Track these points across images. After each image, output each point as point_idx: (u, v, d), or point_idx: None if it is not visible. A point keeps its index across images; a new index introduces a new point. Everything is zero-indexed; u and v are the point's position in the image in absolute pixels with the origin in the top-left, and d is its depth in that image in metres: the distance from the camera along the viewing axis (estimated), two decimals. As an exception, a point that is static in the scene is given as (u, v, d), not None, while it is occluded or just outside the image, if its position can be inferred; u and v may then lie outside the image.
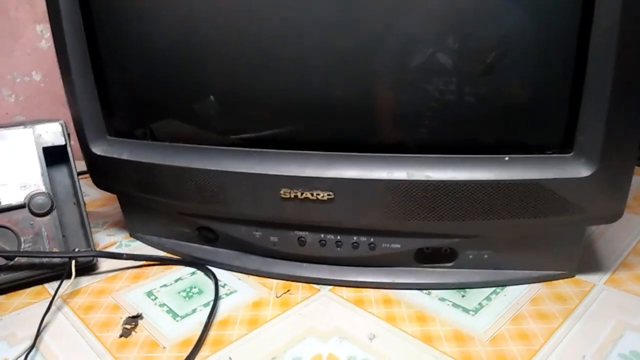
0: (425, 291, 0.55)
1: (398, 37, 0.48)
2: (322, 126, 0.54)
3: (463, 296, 0.54)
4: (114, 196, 0.71)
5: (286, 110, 0.54)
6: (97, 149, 0.62)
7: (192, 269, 0.61)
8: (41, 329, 0.50)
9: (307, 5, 0.49)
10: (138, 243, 0.69)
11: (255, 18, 0.50)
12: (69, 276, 0.56)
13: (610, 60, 0.42)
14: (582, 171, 0.46)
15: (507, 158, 0.48)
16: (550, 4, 0.44)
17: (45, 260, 0.58)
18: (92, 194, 0.87)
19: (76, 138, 0.63)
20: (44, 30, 1.02)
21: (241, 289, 0.57)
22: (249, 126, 0.56)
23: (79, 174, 0.63)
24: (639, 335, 0.46)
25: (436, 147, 0.50)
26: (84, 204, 0.62)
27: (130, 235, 0.71)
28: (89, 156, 0.63)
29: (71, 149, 0.62)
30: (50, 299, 0.53)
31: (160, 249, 0.67)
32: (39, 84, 1.05)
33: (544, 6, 0.44)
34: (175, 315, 0.52)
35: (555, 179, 0.47)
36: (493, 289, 0.55)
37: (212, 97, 0.56)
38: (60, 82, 0.61)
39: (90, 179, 0.66)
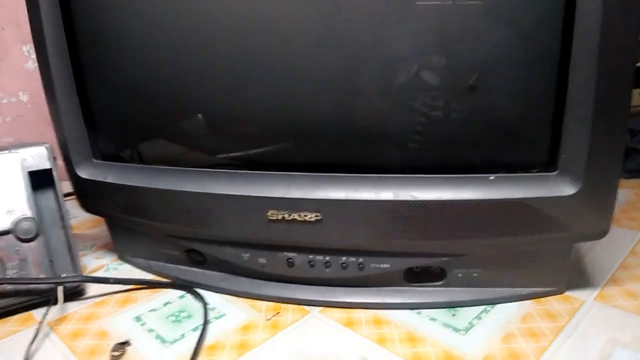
0: (415, 311, 0.55)
1: (383, 58, 0.48)
2: (308, 147, 0.54)
3: (453, 315, 0.53)
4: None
5: (272, 130, 0.54)
6: (83, 173, 0.61)
7: (180, 292, 0.61)
8: (28, 357, 0.49)
9: (293, 26, 0.49)
10: (126, 266, 0.69)
11: (242, 39, 0.50)
12: (55, 302, 0.56)
13: (591, 80, 0.43)
14: (567, 189, 0.47)
15: (492, 177, 0.48)
16: (532, 25, 0.44)
17: (31, 286, 0.57)
18: (81, 216, 0.86)
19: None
20: (31, 51, 1.01)
21: (230, 312, 0.56)
22: (234, 146, 0.56)
23: (67, 195, 0.62)
24: (629, 353, 0.46)
25: (422, 167, 0.50)
26: (70, 228, 0.61)
27: (119, 258, 0.71)
28: (75, 180, 0.62)
29: (57, 173, 0.61)
30: (37, 326, 0.52)
31: (149, 272, 0.66)
32: (25, 105, 1.04)
33: (526, 28, 0.44)
34: (163, 341, 0.52)
35: (540, 197, 0.47)
36: (483, 307, 0.54)
37: (200, 116, 0.56)
38: (47, 103, 0.61)
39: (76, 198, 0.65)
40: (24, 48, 1.01)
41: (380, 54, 0.48)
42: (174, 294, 0.61)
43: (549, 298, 0.55)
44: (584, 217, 0.48)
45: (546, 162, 0.47)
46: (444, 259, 0.54)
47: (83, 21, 0.57)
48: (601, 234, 0.49)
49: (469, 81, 0.47)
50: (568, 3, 0.42)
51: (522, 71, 0.46)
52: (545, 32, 0.44)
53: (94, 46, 0.57)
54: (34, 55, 1.00)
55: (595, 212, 0.48)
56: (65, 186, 0.61)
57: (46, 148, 0.61)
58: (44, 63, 0.58)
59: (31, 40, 0.98)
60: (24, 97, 1.04)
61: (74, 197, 0.65)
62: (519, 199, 0.47)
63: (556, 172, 0.47)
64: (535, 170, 0.48)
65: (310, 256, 0.56)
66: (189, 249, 0.62)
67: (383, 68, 0.48)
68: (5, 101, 1.02)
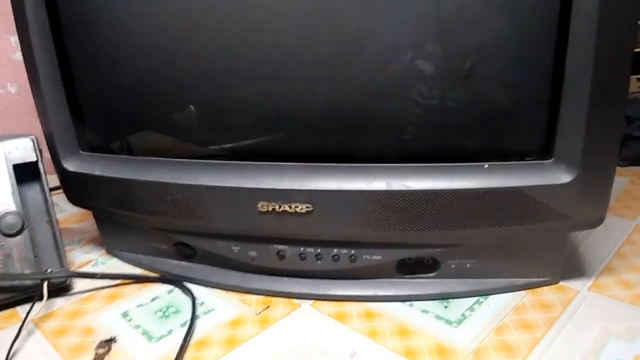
0: (407, 303, 0.54)
1: (375, 46, 0.47)
2: (299, 137, 0.52)
3: (446, 307, 0.53)
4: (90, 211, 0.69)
5: (263, 120, 0.53)
6: (70, 165, 0.60)
7: (169, 287, 0.60)
8: (9, 356, 0.48)
9: (285, 14, 0.48)
10: (115, 260, 0.68)
11: (233, 28, 0.49)
12: (40, 298, 0.54)
13: (588, 66, 0.42)
14: (563, 177, 0.46)
15: (486, 165, 0.47)
16: (528, 10, 0.43)
17: (16, 282, 0.56)
18: (69, 209, 0.84)
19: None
20: (18, 42, 0.99)
21: (219, 307, 0.55)
22: (224, 136, 0.55)
23: (54, 188, 0.60)
24: (623, 343, 0.45)
25: (415, 156, 0.49)
26: (57, 222, 0.60)
27: (107, 252, 0.69)
28: (61, 172, 0.61)
29: (43, 165, 0.60)
30: (21, 323, 0.51)
31: (138, 266, 0.65)
32: (14, 96, 1.02)
33: (522, 13, 0.43)
34: (150, 337, 0.50)
35: (536, 185, 0.46)
36: (476, 298, 0.54)
37: (191, 106, 0.54)
38: (36, 95, 0.59)
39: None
40: (12, 39, 0.99)
41: (373, 41, 0.47)
42: (162, 288, 0.60)
43: (543, 288, 0.54)
44: (579, 205, 0.47)
45: (541, 149, 0.46)
46: (437, 249, 0.53)
47: (68, 10, 0.55)
48: (597, 222, 0.48)
49: (463, 68, 0.45)
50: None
51: (518, 57, 0.45)
52: (541, 17, 0.43)
53: (80, 35, 0.56)
54: (20, 46, 0.99)
55: (591, 200, 0.47)
56: (53, 180, 0.60)
57: (32, 140, 0.59)
58: (28, 53, 0.57)
59: (18, 31, 0.97)
60: (12, 89, 1.02)
61: (61, 190, 0.64)
62: (514, 187, 0.46)
63: (551, 160, 0.46)
64: (530, 158, 0.47)
65: (302, 248, 0.55)
66: (178, 242, 0.61)
67: (375, 56, 0.47)
68: (-8, 93, 1.00)
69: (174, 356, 0.46)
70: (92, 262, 0.67)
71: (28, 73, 0.58)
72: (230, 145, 0.55)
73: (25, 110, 1.03)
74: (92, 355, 0.48)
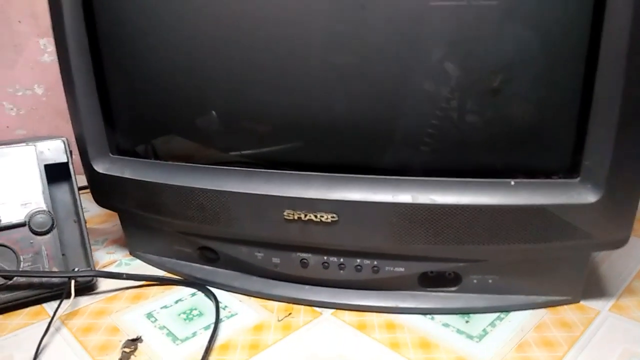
0: (429, 316, 0.54)
1: (402, 58, 0.48)
2: (326, 147, 0.53)
3: (467, 322, 0.53)
4: (115, 212, 0.70)
5: (286, 130, 0.54)
6: (100, 167, 0.62)
7: (192, 290, 0.61)
8: (39, 351, 0.49)
9: (310, 25, 0.49)
10: (138, 262, 0.69)
11: (258, 37, 0.50)
12: (68, 296, 0.55)
13: (619, 85, 0.42)
14: (589, 197, 0.46)
15: (512, 182, 0.48)
16: (558, 28, 0.44)
17: (44, 279, 0.57)
18: (93, 210, 0.86)
19: (77, 152, 0.62)
20: (47, 44, 1.02)
21: (242, 312, 0.56)
22: (251, 145, 0.56)
23: (80, 189, 0.62)
24: (646, 365, 0.45)
25: (442, 171, 0.49)
26: (85, 222, 0.61)
27: (130, 254, 0.71)
28: (90, 174, 0.62)
29: (73, 166, 0.61)
30: (49, 320, 0.53)
31: (161, 268, 0.66)
32: (40, 98, 1.05)
33: (552, 30, 0.44)
34: (175, 339, 0.51)
35: (561, 204, 0.46)
36: (497, 314, 0.54)
37: (214, 112, 0.56)
38: (62, 96, 0.61)
39: (90, 193, 0.65)
40: (41, 41, 1.01)
41: (398, 55, 0.48)
42: (185, 291, 0.61)
43: (564, 307, 0.55)
44: (604, 225, 0.47)
45: (568, 168, 0.47)
46: (460, 264, 0.53)
47: (104, 18, 0.57)
48: (621, 242, 0.49)
49: (491, 84, 0.46)
50: (597, 2, 0.41)
51: (547, 75, 0.45)
52: (571, 34, 0.43)
53: (114, 43, 0.58)
54: (49, 49, 1.02)
55: (616, 220, 0.47)
56: (79, 180, 0.61)
57: (63, 142, 0.61)
58: (64, 58, 0.58)
59: (47, 33, 1.00)
60: (39, 90, 1.04)
61: (87, 190, 0.65)
62: (539, 205, 0.46)
63: (578, 179, 0.46)
64: (556, 177, 0.47)
65: (325, 257, 0.56)
66: (202, 246, 0.62)
67: (402, 70, 0.48)
68: (20, 93, 1.03)
69: (199, 358, 0.47)
70: (116, 263, 0.69)
71: (63, 77, 0.60)
72: (254, 152, 0.56)
73: (51, 111, 1.06)
74: (118, 353, 0.49)
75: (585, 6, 0.42)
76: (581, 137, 0.45)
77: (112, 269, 0.67)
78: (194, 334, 0.52)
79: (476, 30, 0.45)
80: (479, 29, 0.45)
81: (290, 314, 0.55)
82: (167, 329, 0.53)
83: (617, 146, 0.44)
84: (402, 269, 0.54)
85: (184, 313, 0.56)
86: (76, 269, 0.59)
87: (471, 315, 0.54)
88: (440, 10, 0.45)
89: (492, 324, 0.52)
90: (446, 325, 0.53)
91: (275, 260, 0.58)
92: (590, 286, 0.57)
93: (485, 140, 0.48)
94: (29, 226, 0.57)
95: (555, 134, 0.47)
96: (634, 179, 0.46)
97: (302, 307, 0.56)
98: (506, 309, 0.54)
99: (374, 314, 0.55)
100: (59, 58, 0.59)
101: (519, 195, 0.47)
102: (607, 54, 0.42)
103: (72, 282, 0.56)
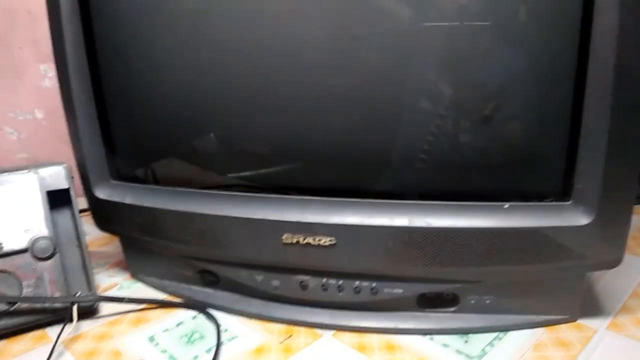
0: (428, 336, 0.55)
1: (397, 84, 0.49)
2: (323, 171, 0.54)
3: (466, 342, 0.54)
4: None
5: (285, 154, 0.55)
6: (101, 193, 0.62)
7: (193, 313, 0.61)
8: (42, 377, 0.49)
9: (307, 50, 0.50)
10: (139, 285, 0.69)
11: (257, 64, 0.52)
12: (70, 320, 0.56)
13: (606, 111, 0.43)
14: (581, 219, 0.47)
15: (506, 206, 0.49)
16: (548, 55, 0.45)
17: (47, 305, 0.58)
18: (94, 233, 0.85)
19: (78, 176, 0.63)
20: (47, 70, 1.03)
21: (243, 334, 0.56)
22: (249, 168, 0.57)
23: (81, 211, 0.63)
24: (642, 384, 0.46)
25: (437, 194, 0.51)
26: (86, 247, 0.62)
27: (132, 277, 0.71)
28: (92, 200, 0.63)
29: (74, 192, 0.62)
30: (52, 344, 0.53)
31: (162, 291, 0.67)
32: (41, 122, 1.06)
33: (542, 57, 0.45)
34: (177, 363, 0.52)
35: (555, 226, 0.47)
36: (496, 334, 0.54)
37: (212, 135, 0.57)
38: (62, 121, 0.62)
39: (91, 216, 0.66)
40: (41, 67, 1.03)
41: (396, 80, 0.49)
42: (186, 314, 0.61)
43: (562, 326, 0.55)
44: (597, 246, 0.48)
45: (560, 191, 0.48)
46: (457, 285, 0.54)
47: (104, 44, 0.58)
48: (615, 262, 0.49)
49: (484, 111, 0.48)
50: (583, 29, 0.43)
51: (538, 101, 0.47)
52: (559, 63, 0.45)
53: (114, 68, 0.59)
54: (50, 74, 1.03)
55: (609, 241, 0.48)
56: (80, 203, 0.62)
57: (64, 168, 0.62)
58: (65, 84, 0.59)
59: (48, 59, 1.01)
60: (39, 115, 1.05)
61: (87, 213, 0.66)
62: (533, 227, 0.48)
63: (570, 202, 0.48)
64: (549, 200, 0.48)
65: (324, 280, 0.56)
66: (203, 269, 0.63)
67: (397, 96, 0.49)
68: (21, 118, 1.04)
69: (201, 383, 0.48)
70: (117, 286, 0.69)
71: (64, 102, 0.61)
72: (254, 177, 0.57)
73: (51, 136, 1.06)
74: (121, 379, 0.49)
75: (571, 33, 0.43)
76: (572, 162, 0.46)
77: (114, 292, 0.68)
78: (196, 357, 0.53)
79: (470, 57, 0.47)
80: (473, 56, 0.46)
81: (291, 335, 0.56)
82: (169, 352, 0.54)
83: (606, 169, 0.45)
84: (400, 290, 0.55)
85: (186, 336, 0.56)
86: (78, 293, 0.60)
87: (470, 335, 0.55)
88: (431, 32, 0.46)
89: (491, 344, 0.53)
90: (445, 345, 0.53)
91: (275, 282, 0.58)
92: (586, 304, 0.58)
93: (478, 165, 0.49)
94: (31, 252, 0.58)
95: (546, 159, 0.48)
96: (625, 200, 0.47)
97: (303, 329, 0.57)
98: (504, 329, 0.55)
99: (374, 335, 0.55)
100: (60, 84, 0.60)
101: (513, 218, 0.48)
102: (594, 83, 0.43)
103: (75, 306, 0.57)
